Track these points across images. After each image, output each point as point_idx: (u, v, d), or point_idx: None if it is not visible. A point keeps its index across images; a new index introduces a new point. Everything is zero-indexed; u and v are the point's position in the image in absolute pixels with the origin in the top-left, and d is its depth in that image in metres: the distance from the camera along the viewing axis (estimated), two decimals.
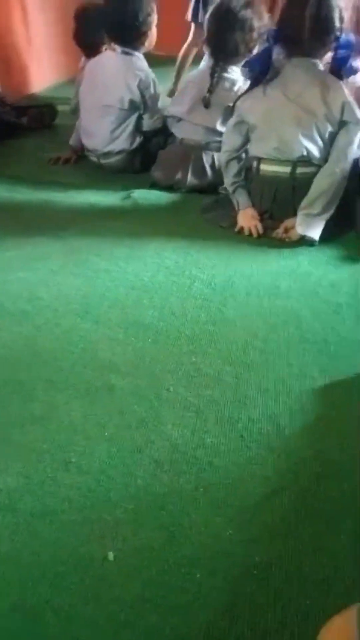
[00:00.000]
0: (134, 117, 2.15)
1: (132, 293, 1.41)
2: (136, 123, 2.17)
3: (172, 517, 0.81)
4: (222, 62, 1.93)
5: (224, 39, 1.86)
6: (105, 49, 2.26)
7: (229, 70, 1.94)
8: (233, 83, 1.94)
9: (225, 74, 1.94)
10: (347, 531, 0.80)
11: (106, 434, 0.96)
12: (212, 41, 1.92)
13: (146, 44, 2.12)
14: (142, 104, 2.13)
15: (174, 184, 2.05)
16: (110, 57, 2.16)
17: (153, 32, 2.13)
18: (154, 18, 2.09)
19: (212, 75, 1.93)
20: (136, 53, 2.13)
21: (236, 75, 1.95)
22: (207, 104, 1.94)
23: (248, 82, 1.85)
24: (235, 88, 1.92)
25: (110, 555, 0.74)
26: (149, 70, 2.13)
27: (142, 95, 2.11)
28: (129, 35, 2.07)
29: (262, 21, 1.87)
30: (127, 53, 2.11)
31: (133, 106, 2.12)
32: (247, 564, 0.75)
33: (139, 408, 1.02)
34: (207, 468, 0.89)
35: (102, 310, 1.33)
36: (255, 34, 1.86)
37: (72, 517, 0.80)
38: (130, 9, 2.02)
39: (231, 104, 1.89)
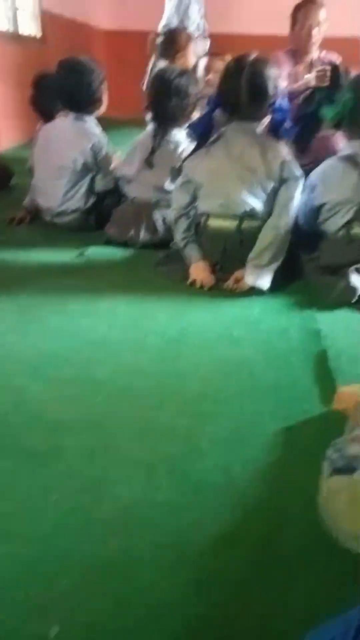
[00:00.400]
0: (87, 178, 2.23)
1: (85, 349, 1.40)
2: (89, 184, 2.24)
3: (122, 583, 0.77)
4: (162, 126, 2.05)
5: (162, 106, 2.00)
6: (59, 115, 2.35)
7: (172, 133, 2.06)
8: (177, 145, 2.05)
9: (168, 137, 2.05)
10: (302, 583, 0.78)
11: (54, 498, 0.92)
12: (152, 107, 2.06)
13: (97, 111, 2.25)
14: (95, 166, 2.21)
15: (128, 240, 2.11)
16: (65, 121, 2.26)
17: (105, 99, 2.25)
18: (105, 86, 2.23)
19: (154, 137, 2.05)
20: (88, 118, 2.23)
21: (180, 137, 2.07)
22: (150, 164, 2.04)
23: (192, 144, 1.97)
24: (180, 149, 2.03)
25: (54, 631, 0.69)
26: (102, 134, 2.24)
27: (95, 158, 2.20)
28: (83, 103, 2.19)
29: (197, 87, 2.02)
30: (80, 119, 2.22)
31: (86, 168, 2.20)
32: (203, 625, 0.72)
33: (89, 469, 0.98)
34: (159, 528, 0.86)
35: (54, 369, 1.31)
36: (191, 99, 2.00)
37: (12, 594, 0.75)
38: (85, 80, 2.14)
39: (177, 165, 2.00)
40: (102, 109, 2.27)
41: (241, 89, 1.65)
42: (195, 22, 3.87)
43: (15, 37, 4.13)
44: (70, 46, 4.79)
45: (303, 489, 0.92)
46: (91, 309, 1.62)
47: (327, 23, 2.93)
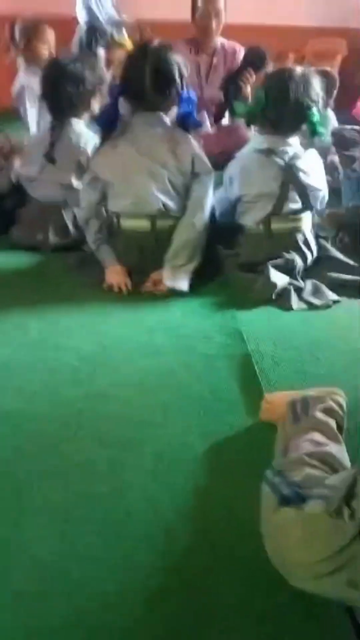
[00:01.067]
0: None
1: None
2: None
3: None
4: (59, 115, 1.89)
5: (57, 94, 1.84)
6: None
7: (72, 124, 1.91)
8: (78, 136, 1.90)
9: (69, 128, 1.90)
10: (240, 628, 0.72)
11: None
12: (46, 96, 1.90)
13: None
14: None
15: (36, 244, 1.94)
16: None
17: None
18: None
19: (52, 129, 1.89)
20: None
21: (80, 128, 1.92)
22: (51, 159, 1.88)
23: (96, 136, 1.84)
24: (82, 142, 1.89)
25: None
26: None
27: None
28: None
29: (95, 73, 1.88)
30: None
31: None
32: None
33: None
34: (81, 590, 0.76)
35: None
36: (88, 86, 1.86)
37: None
38: None
39: (81, 158, 1.86)
40: None
41: (145, 76, 1.54)
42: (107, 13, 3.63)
43: None
44: None
45: (236, 520, 0.87)
46: None
47: (225, 12, 2.89)
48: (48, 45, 2.69)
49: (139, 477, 0.96)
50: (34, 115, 2.71)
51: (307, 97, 1.55)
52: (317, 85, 1.59)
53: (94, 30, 3.29)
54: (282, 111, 1.57)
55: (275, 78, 1.62)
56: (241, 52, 3.01)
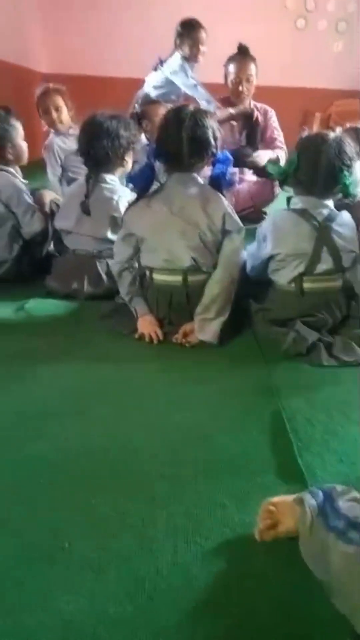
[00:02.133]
0: (5, 228, 2.15)
1: (24, 422, 1.28)
2: (10, 232, 2.16)
3: None
4: (95, 169, 2.00)
5: (93, 148, 1.95)
6: None
7: (106, 179, 2.01)
8: (112, 192, 2.00)
9: (104, 184, 2.01)
10: None
11: None
12: (83, 150, 2.01)
13: (10, 157, 2.18)
14: (11, 215, 2.15)
15: (71, 293, 2.01)
16: None
17: (19, 146, 2.19)
18: (16, 133, 2.17)
19: (87, 181, 1.99)
20: (4, 168, 2.17)
21: (115, 184, 2.03)
22: (86, 210, 1.98)
23: (130, 193, 1.93)
24: (116, 197, 1.98)
25: None
26: (16, 184, 2.16)
27: (7, 207, 2.14)
28: None
29: (129, 131, 2.00)
30: None
31: (2, 217, 2.14)
32: None
33: (27, 578, 0.86)
34: None
35: None
36: (124, 142, 1.97)
37: None
38: None
39: (115, 213, 1.94)
40: (20, 156, 2.22)
41: (182, 141, 1.63)
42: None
43: None
44: (11, 88, 4.75)
45: (270, 586, 0.84)
46: (31, 374, 1.50)
47: (257, 75, 3.05)
48: (59, 110, 2.79)
49: (169, 535, 0.95)
50: (54, 170, 2.86)
51: (340, 161, 1.61)
52: (349, 149, 1.64)
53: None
54: (315, 174, 1.62)
55: (308, 142, 1.68)
56: (272, 114, 3.16)
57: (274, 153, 3.06)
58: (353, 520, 0.79)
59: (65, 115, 2.82)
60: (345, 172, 1.61)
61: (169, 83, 3.41)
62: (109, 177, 2.03)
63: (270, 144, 3.14)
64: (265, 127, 3.14)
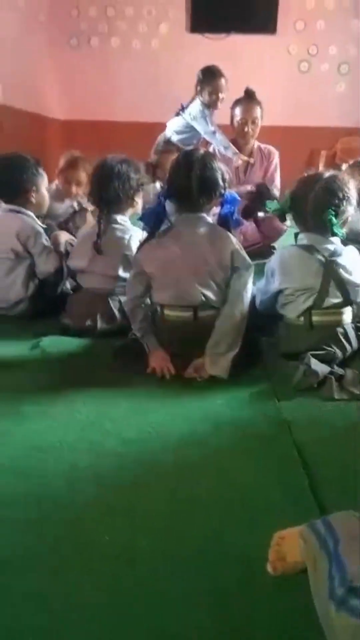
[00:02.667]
0: (21, 267, 2.25)
1: (38, 458, 1.29)
2: (26, 272, 2.26)
3: None
4: (106, 210, 2.08)
5: (105, 189, 2.04)
6: None
7: (118, 220, 2.09)
8: (124, 232, 2.08)
9: (115, 224, 2.09)
10: None
11: None
12: (95, 192, 2.10)
13: (33, 201, 2.29)
14: (27, 254, 2.25)
15: (85, 329, 2.06)
16: None
17: (42, 194, 2.31)
18: (42, 182, 2.28)
19: (99, 222, 2.08)
20: (24, 211, 2.27)
21: (127, 224, 2.11)
22: (98, 250, 2.05)
23: (141, 232, 2.01)
24: (127, 236, 2.06)
25: None
26: (34, 226, 2.26)
27: (24, 246, 2.23)
28: (14, 195, 2.25)
29: (139, 174, 2.09)
30: (15, 211, 2.26)
31: (18, 257, 2.24)
32: None
33: (40, 623, 0.86)
34: None
35: (4, 485, 1.20)
36: (133, 184, 2.06)
37: None
38: (15, 171, 2.22)
39: (127, 252, 2.01)
40: (42, 205, 2.34)
41: (192, 182, 1.70)
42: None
43: None
44: (27, 134, 4.98)
45: (283, 624, 0.83)
46: (45, 410, 1.53)
47: (262, 118, 3.18)
48: (80, 185, 2.85)
49: (182, 570, 0.95)
50: None
51: (326, 201, 1.65)
52: (343, 188, 1.68)
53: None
54: (304, 213, 1.71)
55: (301, 182, 1.75)
56: (276, 155, 3.27)
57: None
58: (351, 585, 0.75)
59: (82, 191, 2.86)
60: (331, 212, 1.65)
61: (190, 128, 3.55)
62: (120, 218, 2.11)
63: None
64: (266, 167, 3.25)
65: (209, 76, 3.40)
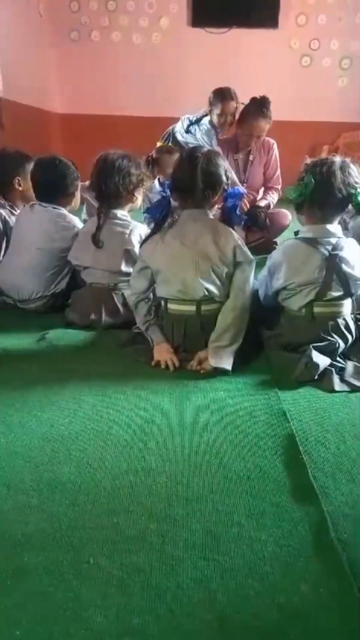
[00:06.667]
0: (58, 265, 2.28)
1: (47, 446, 1.34)
2: (60, 269, 2.29)
3: None
4: (106, 204, 2.11)
5: (105, 184, 2.07)
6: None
7: (118, 215, 2.13)
8: (124, 227, 2.11)
9: (115, 220, 2.12)
10: None
11: (17, 632, 0.84)
12: (95, 185, 2.12)
13: (72, 204, 2.36)
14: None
15: (90, 323, 2.10)
16: (41, 210, 2.30)
17: (78, 197, 2.38)
18: (78, 184, 2.34)
19: (98, 215, 2.11)
20: (63, 209, 2.31)
21: (127, 219, 2.15)
22: (97, 243, 2.08)
23: (143, 227, 2.06)
24: (127, 231, 2.09)
25: None
26: (75, 224, 2.30)
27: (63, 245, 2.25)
28: (58, 196, 2.29)
29: (139, 169, 2.13)
30: (56, 208, 2.29)
31: (58, 253, 2.26)
32: None
33: (57, 591, 0.91)
34: None
35: (15, 471, 1.24)
36: (134, 179, 2.10)
37: None
38: (59, 173, 2.26)
39: (128, 247, 2.05)
40: (76, 203, 2.40)
41: (197, 178, 1.73)
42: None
43: None
44: (30, 128, 4.99)
45: (289, 605, 0.88)
46: (52, 400, 1.57)
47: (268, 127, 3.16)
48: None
49: (188, 553, 0.99)
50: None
51: (349, 180, 1.70)
52: (354, 172, 1.73)
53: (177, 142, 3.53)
54: (329, 195, 1.70)
55: (319, 164, 1.74)
56: (275, 147, 3.28)
57: (266, 200, 3.21)
58: None
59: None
60: (358, 189, 1.69)
61: (196, 140, 3.55)
62: (120, 213, 2.14)
63: (268, 181, 3.27)
64: (267, 161, 3.26)
65: (220, 98, 3.32)
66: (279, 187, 3.28)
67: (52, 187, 2.28)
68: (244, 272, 1.76)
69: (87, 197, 2.75)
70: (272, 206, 3.25)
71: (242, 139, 3.17)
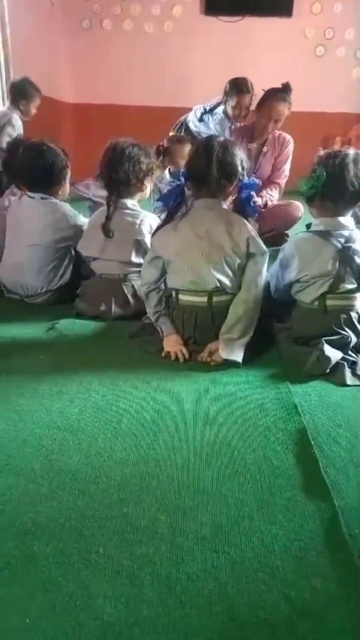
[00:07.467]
0: (64, 256, 2.27)
1: (57, 435, 1.34)
2: (68, 261, 2.27)
3: None
4: (115, 192, 2.09)
5: (114, 171, 2.04)
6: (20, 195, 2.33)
7: (127, 204, 2.10)
8: (134, 216, 2.09)
9: (125, 209, 2.09)
10: None
11: (27, 621, 0.84)
12: (105, 173, 2.09)
13: (60, 193, 2.31)
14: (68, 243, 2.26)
15: (100, 314, 2.09)
16: (31, 202, 2.25)
17: (67, 187, 2.33)
18: (68, 172, 2.30)
19: (108, 204, 2.08)
20: (53, 198, 2.27)
21: (136, 208, 2.12)
22: (107, 232, 2.06)
23: (153, 217, 2.02)
24: (137, 221, 2.07)
25: None
26: (71, 214, 2.27)
27: (64, 236, 2.24)
28: (48, 185, 2.24)
29: (149, 158, 2.10)
30: (44, 198, 2.25)
31: (65, 246, 2.24)
32: None
33: (65, 581, 0.91)
34: None
35: (25, 459, 1.24)
36: (144, 167, 2.07)
37: None
38: (47, 160, 2.20)
39: (138, 237, 2.03)
40: (65, 192, 2.34)
41: (212, 166, 1.70)
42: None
43: None
44: (38, 119, 4.95)
45: (300, 600, 0.87)
46: (62, 390, 1.57)
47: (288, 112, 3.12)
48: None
49: (198, 544, 0.99)
50: None
51: None
52: None
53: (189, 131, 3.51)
54: (342, 185, 1.67)
55: (332, 156, 1.71)
56: (291, 144, 3.24)
57: (264, 198, 3.18)
58: None
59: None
60: None
61: (209, 129, 3.52)
62: (129, 202, 2.11)
63: (274, 172, 3.24)
64: (278, 154, 3.22)
65: (236, 90, 3.29)
66: (282, 182, 3.24)
67: (41, 174, 2.21)
68: (257, 264, 1.74)
69: (91, 195, 2.72)
70: (269, 204, 3.19)
71: (260, 123, 3.12)
